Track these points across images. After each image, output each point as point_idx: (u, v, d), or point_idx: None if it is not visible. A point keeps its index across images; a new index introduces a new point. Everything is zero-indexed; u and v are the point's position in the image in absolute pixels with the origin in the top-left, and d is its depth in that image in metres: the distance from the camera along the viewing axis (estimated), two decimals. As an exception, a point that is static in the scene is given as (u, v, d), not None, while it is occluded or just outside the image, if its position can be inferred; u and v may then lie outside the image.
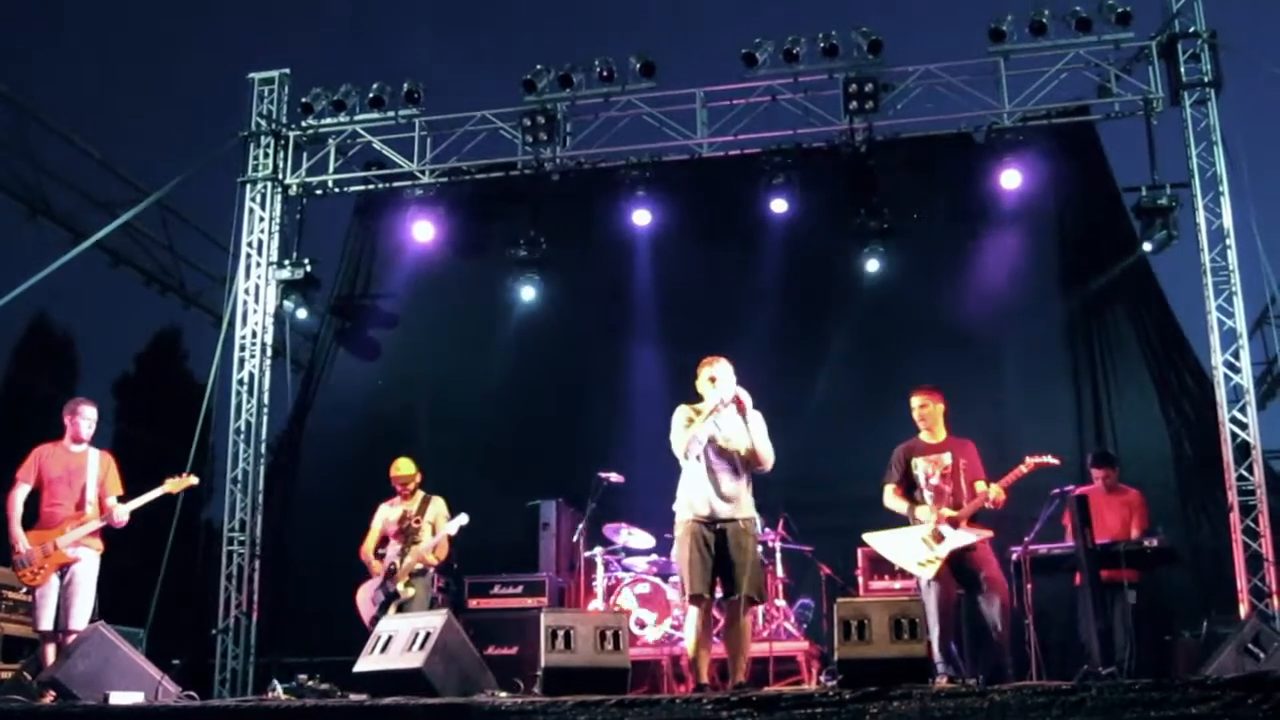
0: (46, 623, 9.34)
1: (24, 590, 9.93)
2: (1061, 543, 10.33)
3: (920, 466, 9.80)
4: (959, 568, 9.43)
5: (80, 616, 9.32)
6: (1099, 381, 13.11)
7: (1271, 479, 12.07)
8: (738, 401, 8.18)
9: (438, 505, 11.14)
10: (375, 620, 10.53)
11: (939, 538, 9.46)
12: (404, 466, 11.28)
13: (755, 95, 13.78)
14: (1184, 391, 12.84)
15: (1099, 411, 13.03)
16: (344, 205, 15.54)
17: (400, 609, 10.58)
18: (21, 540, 9.34)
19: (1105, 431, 12.87)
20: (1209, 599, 11.46)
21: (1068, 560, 10.08)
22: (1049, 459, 9.58)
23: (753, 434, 8.19)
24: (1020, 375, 13.08)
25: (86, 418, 9.78)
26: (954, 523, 9.45)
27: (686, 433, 8.22)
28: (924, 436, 9.93)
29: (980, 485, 9.58)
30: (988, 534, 9.53)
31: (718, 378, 8.28)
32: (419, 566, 10.90)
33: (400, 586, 10.75)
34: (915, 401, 9.92)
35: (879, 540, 9.81)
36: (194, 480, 10.16)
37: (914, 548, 9.54)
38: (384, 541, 11.11)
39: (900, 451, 9.94)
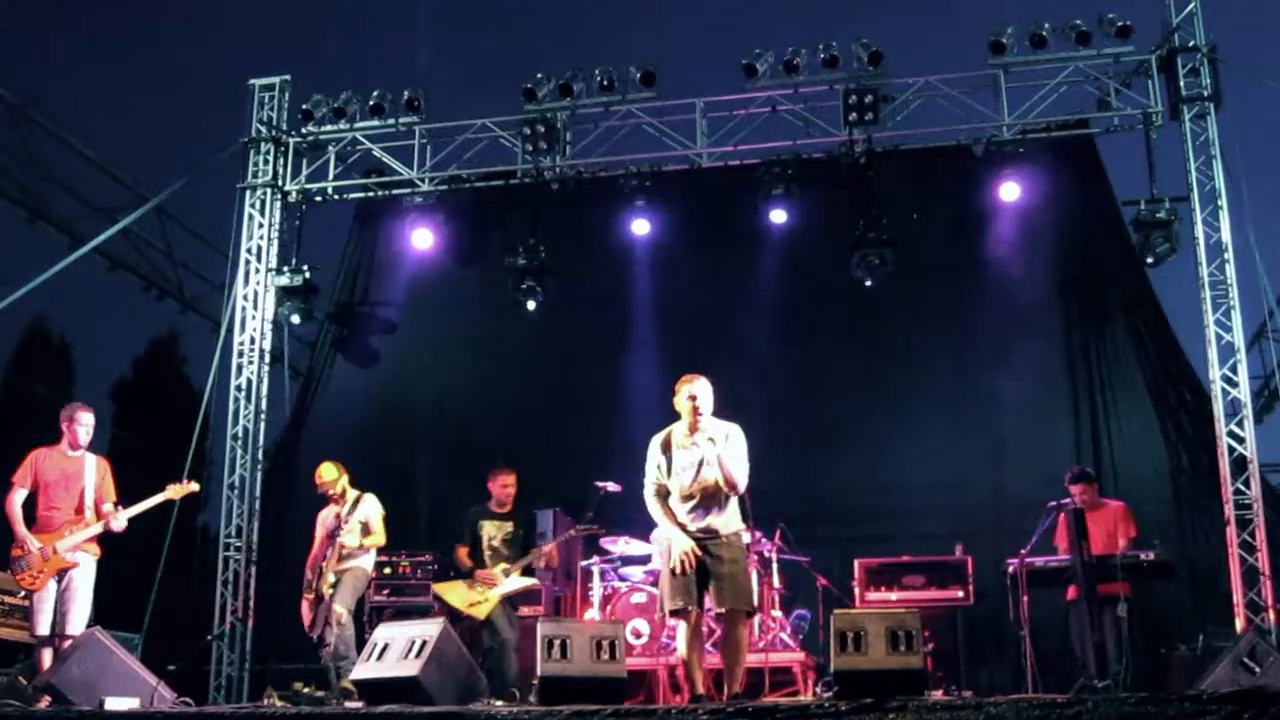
0: (43, 627, 9.33)
1: (21, 595, 9.90)
2: (1059, 556, 10.34)
3: (485, 529, 10.95)
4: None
5: (77, 622, 9.31)
6: (1096, 394, 13.12)
7: (1268, 493, 12.09)
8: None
9: (368, 503, 10.68)
10: (312, 625, 10.47)
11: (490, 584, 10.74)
12: (325, 473, 10.80)
13: (755, 106, 13.78)
14: (1181, 405, 12.85)
15: (1096, 424, 13.05)
16: (343, 212, 15.58)
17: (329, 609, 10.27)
18: (30, 540, 9.35)
19: (1102, 444, 12.89)
20: (1205, 613, 11.45)
21: (1063, 573, 10.10)
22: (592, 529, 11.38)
23: (725, 464, 8.24)
24: (1018, 388, 13.08)
25: (84, 424, 9.78)
26: (506, 573, 10.79)
27: (655, 509, 8.52)
28: (498, 510, 11.10)
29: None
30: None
31: (697, 395, 8.34)
32: (347, 563, 10.45)
33: (326, 590, 10.30)
34: (505, 480, 11.09)
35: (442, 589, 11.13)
36: (194, 487, 10.14)
37: (465, 594, 10.76)
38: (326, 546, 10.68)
39: (467, 514, 11.07)
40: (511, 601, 10.85)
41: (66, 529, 9.45)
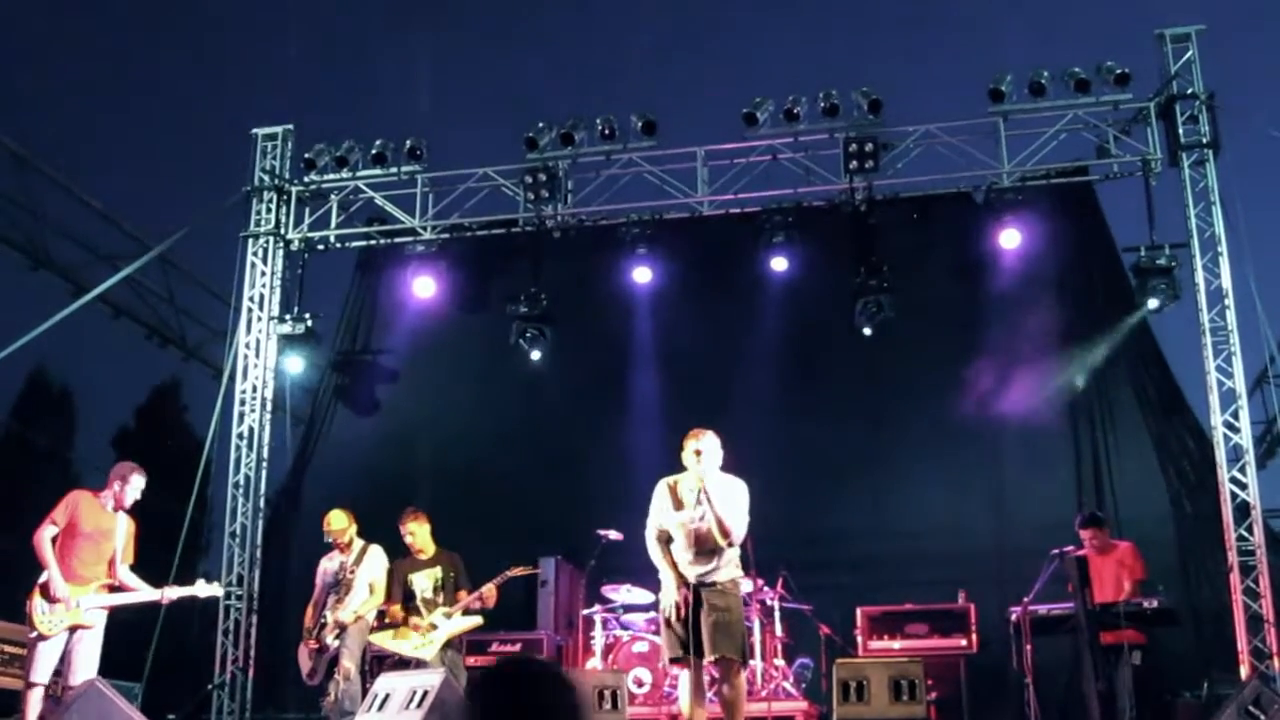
0: (42, 675, 9.16)
1: (33, 634, 9.70)
2: (1061, 603, 10.29)
3: (415, 582, 10.63)
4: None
5: (83, 676, 9.23)
6: (1098, 441, 13.12)
7: (1271, 539, 12.05)
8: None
9: (374, 558, 10.58)
10: (312, 674, 10.45)
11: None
12: (335, 521, 10.72)
13: (756, 154, 13.84)
14: (1183, 451, 12.85)
15: (1098, 471, 13.03)
16: (345, 260, 15.63)
17: (333, 662, 10.22)
18: (61, 585, 9.16)
19: (1105, 490, 12.87)
20: (1210, 660, 11.44)
21: (1068, 621, 10.06)
22: (531, 569, 10.98)
23: (723, 517, 8.22)
24: (1020, 434, 13.06)
25: (134, 486, 9.63)
26: (447, 615, 10.48)
27: (655, 553, 8.50)
28: (419, 556, 10.75)
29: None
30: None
31: (703, 450, 8.32)
32: (344, 623, 10.34)
33: (330, 639, 10.29)
34: (409, 527, 10.74)
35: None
36: (219, 591, 10.31)
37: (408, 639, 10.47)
38: (327, 594, 10.70)
39: (395, 567, 10.73)
40: (457, 645, 10.59)
41: (94, 586, 9.35)
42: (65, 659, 9.22)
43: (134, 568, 9.70)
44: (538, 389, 14.25)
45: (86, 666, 9.27)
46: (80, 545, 9.38)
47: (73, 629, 9.26)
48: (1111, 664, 9.89)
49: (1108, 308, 13.28)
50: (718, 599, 8.22)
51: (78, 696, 8.70)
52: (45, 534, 9.30)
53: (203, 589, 9.94)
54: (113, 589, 9.47)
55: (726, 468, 8.54)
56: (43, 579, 9.25)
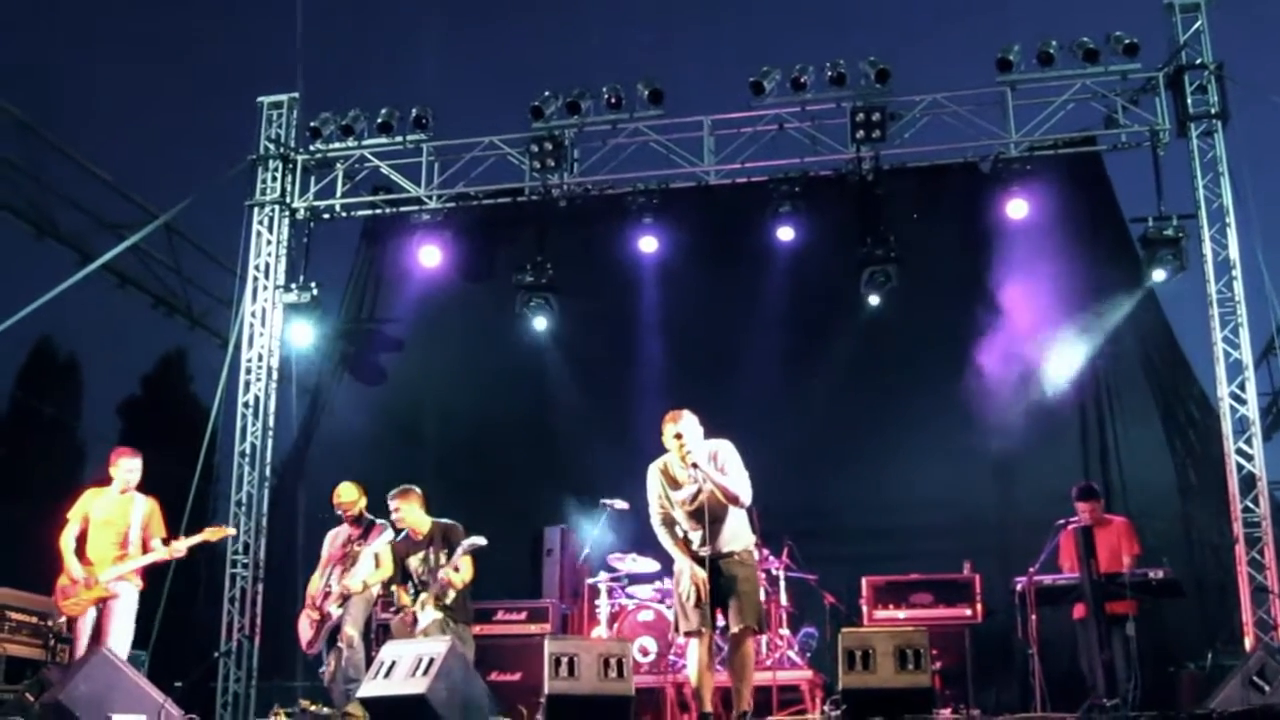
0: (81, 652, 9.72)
1: (63, 619, 10.40)
2: (1067, 574, 10.31)
3: (412, 564, 10.15)
4: None
5: (113, 642, 9.66)
6: (1104, 411, 13.11)
7: (1277, 510, 12.04)
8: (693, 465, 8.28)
9: (383, 535, 10.38)
10: (311, 643, 10.50)
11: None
12: (345, 493, 10.71)
13: (763, 123, 13.78)
14: (1190, 422, 12.84)
15: (1104, 441, 13.04)
16: (351, 229, 15.61)
17: (334, 632, 10.32)
18: (75, 569, 9.83)
19: (1110, 461, 12.88)
20: (1214, 631, 11.45)
21: (1072, 592, 10.07)
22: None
23: (721, 484, 8.20)
24: (1026, 404, 13.05)
25: (121, 469, 10.20)
26: (423, 604, 9.87)
27: (665, 539, 8.48)
28: (415, 537, 10.23)
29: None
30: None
31: (683, 434, 8.31)
32: (352, 592, 10.33)
33: (332, 608, 10.37)
34: (393, 505, 10.17)
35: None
36: (230, 531, 10.93)
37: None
38: (333, 564, 10.68)
39: (394, 550, 10.31)
40: (464, 618, 10.11)
41: (110, 561, 9.89)
42: (97, 629, 9.86)
43: None
44: (543, 358, 14.26)
45: (117, 636, 9.84)
46: (94, 533, 10.04)
47: (100, 602, 9.89)
48: (1113, 634, 9.92)
49: (1115, 278, 13.25)
50: (738, 569, 8.21)
51: (85, 663, 8.75)
52: (67, 533, 10.00)
53: (213, 532, 10.48)
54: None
55: (731, 436, 8.53)
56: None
